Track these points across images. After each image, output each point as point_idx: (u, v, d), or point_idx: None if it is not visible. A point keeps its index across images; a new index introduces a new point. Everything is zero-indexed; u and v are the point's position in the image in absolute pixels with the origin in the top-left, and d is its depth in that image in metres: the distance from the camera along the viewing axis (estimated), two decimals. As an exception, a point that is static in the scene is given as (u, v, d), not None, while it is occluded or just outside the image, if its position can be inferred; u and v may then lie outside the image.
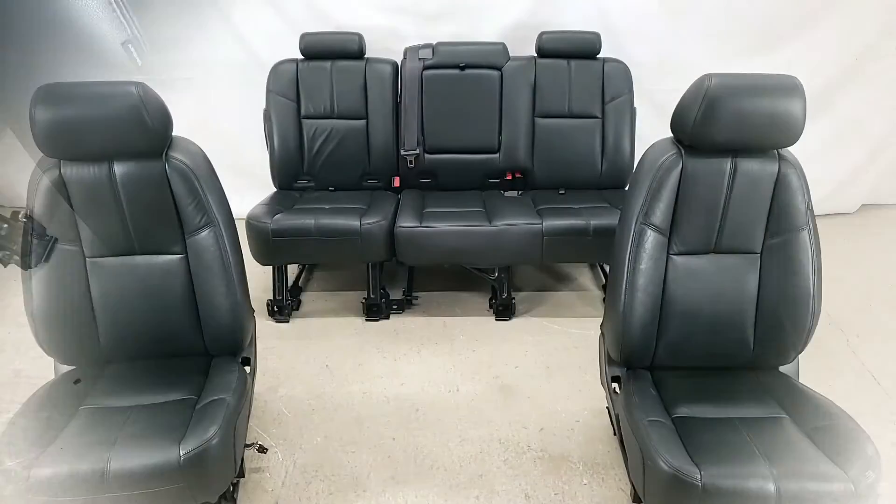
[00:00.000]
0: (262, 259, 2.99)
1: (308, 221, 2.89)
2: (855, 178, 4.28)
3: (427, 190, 3.42)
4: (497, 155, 3.42)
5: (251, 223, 2.92)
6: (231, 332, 1.99)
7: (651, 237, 1.86)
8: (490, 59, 3.37)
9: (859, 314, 3.15)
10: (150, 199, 1.88)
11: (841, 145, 4.13)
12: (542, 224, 2.90)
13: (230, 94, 3.90)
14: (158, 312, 1.95)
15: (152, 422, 1.71)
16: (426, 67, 3.34)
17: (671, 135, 1.92)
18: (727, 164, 1.83)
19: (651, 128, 3.22)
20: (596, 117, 3.39)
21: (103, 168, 1.83)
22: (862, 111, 4.05)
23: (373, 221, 2.90)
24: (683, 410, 1.77)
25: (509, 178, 3.44)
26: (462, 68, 3.34)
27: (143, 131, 1.78)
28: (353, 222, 2.88)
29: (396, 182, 3.46)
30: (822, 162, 4.02)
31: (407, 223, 2.92)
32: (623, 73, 3.38)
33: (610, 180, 3.40)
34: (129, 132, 1.77)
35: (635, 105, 3.41)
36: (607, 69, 3.38)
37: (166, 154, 1.87)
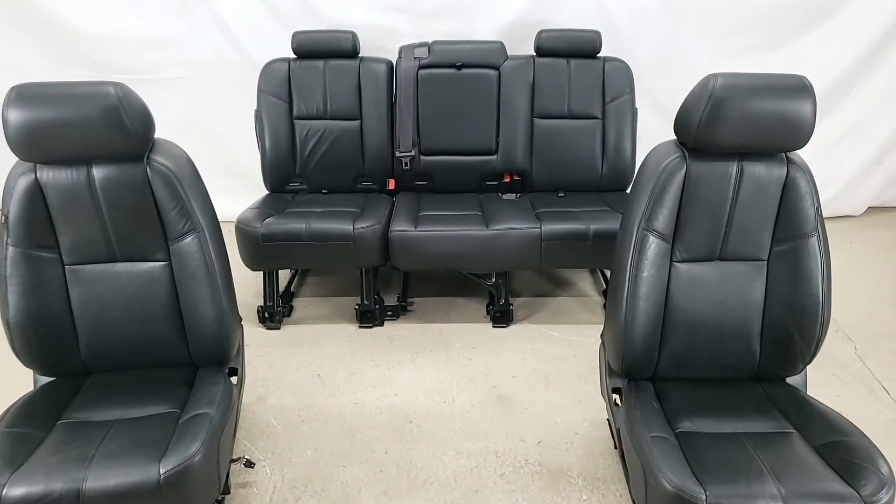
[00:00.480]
0: (252, 264, 2.92)
1: (299, 226, 2.82)
2: (862, 179, 4.21)
3: (423, 193, 3.35)
4: (495, 157, 3.35)
5: (240, 227, 2.84)
6: (217, 342, 1.93)
7: (653, 244, 1.79)
8: (487, 59, 3.30)
9: (867, 320, 3.08)
10: (131, 205, 1.81)
11: (847, 146, 4.07)
12: (540, 228, 2.83)
13: (221, 94, 3.85)
14: (141, 322, 1.89)
15: (132, 437, 1.65)
16: (422, 67, 3.27)
17: (674, 137, 1.86)
18: (733, 167, 1.77)
19: (654, 128, 3.15)
20: (596, 118, 3.31)
21: (81, 172, 1.76)
22: (868, 112, 3.99)
23: (366, 225, 2.83)
24: (687, 425, 1.71)
25: (507, 180, 3.37)
26: (459, 68, 3.27)
27: (123, 133, 1.71)
28: (345, 226, 2.81)
29: (391, 184, 3.38)
30: (828, 163, 3.97)
31: (402, 227, 2.85)
32: (624, 73, 3.31)
33: (610, 183, 3.33)
34: (108, 134, 1.70)
35: (637, 105, 3.33)
36: (608, 68, 3.30)
37: (148, 157, 1.80)
